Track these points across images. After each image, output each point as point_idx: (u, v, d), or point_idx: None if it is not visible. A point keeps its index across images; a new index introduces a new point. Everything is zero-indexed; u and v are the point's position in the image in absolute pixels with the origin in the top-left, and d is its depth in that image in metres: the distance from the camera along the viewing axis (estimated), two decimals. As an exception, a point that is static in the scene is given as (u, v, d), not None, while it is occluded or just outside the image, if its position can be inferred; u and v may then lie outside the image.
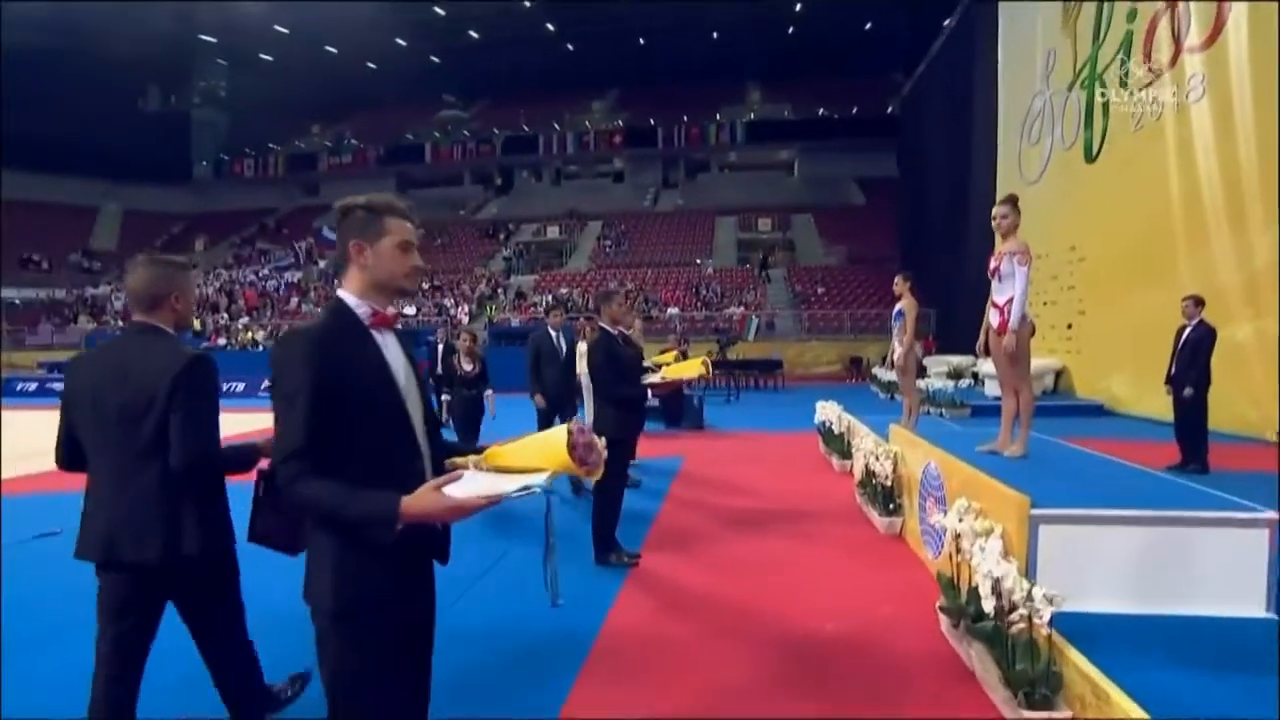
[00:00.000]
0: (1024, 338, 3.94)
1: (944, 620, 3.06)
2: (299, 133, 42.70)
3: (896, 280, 6.26)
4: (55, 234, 34.80)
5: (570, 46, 37.80)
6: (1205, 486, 3.49)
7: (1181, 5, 9.29)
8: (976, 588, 2.66)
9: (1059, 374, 11.60)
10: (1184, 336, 6.39)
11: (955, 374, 12.07)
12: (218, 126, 43.61)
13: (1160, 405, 8.51)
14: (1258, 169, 8.07)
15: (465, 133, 39.48)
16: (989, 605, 2.43)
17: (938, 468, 4.00)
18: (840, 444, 6.94)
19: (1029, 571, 2.76)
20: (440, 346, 9.48)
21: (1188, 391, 6.24)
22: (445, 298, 26.18)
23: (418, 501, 1.46)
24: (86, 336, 24.10)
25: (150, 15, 31.82)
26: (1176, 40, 9.38)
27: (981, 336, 4.22)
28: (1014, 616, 2.34)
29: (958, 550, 3.06)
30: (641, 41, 37.47)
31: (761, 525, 5.24)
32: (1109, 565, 2.76)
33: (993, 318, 4.06)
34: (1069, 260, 11.54)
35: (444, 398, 6.27)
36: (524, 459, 1.74)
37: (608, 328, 4.49)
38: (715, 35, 36.83)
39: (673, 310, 22.57)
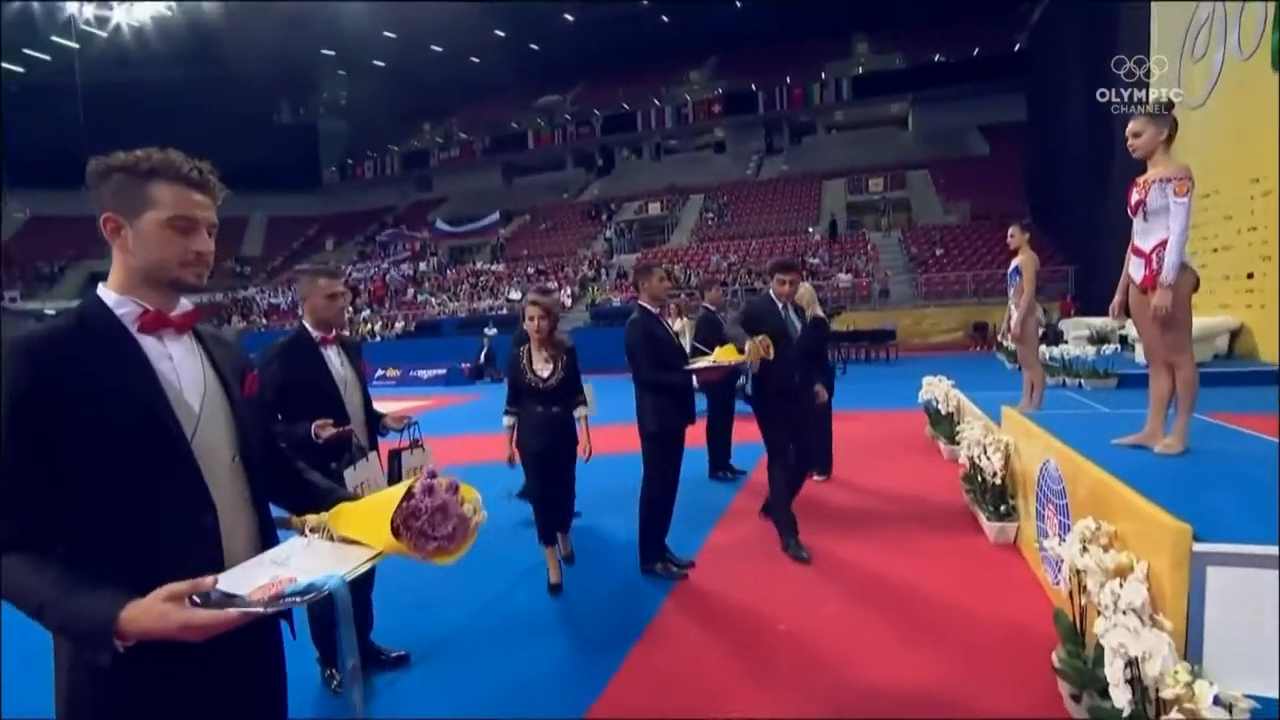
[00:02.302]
0: (1183, 294, 2.92)
1: (1062, 685, 2.25)
2: (412, 131, 44.64)
3: (1012, 231, 5.17)
4: (213, 244, 38.64)
5: (665, 18, 36.84)
6: None
7: None
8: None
9: (1235, 334, 9.64)
10: None
11: (1099, 338, 10.35)
12: (341, 133, 46.51)
13: (1383, 370, 6.76)
14: None
15: (566, 116, 39.67)
16: (1121, 698, 1.64)
17: (1059, 468, 3.09)
18: (948, 426, 5.95)
19: (1190, 636, 1.90)
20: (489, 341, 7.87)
21: None
22: (549, 281, 26.43)
23: (143, 614, 0.98)
24: (238, 335, 26.39)
25: (278, 37, 34.22)
26: None
27: (1119, 294, 3.21)
28: None
29: (1080, 588, 2.24)
30: (738, 4, 35.82)
31: (846, 528, 4.48)
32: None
33: (1135, 269, 3.06)
34: (1249, 195, 9.48)
35: (506, 421, 3.78)
36: (366, 525, 1.21)
37: (648, 306, 3.89)
38: (817, -14, 34.53)
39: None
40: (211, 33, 32.74)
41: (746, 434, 6.81)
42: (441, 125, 44.03)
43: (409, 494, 1.14)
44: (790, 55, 34.83)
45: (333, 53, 39.71)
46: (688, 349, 6.95)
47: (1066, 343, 11.02)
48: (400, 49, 37.70)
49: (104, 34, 32.16)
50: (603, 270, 26.47)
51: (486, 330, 18.10)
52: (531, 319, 3.62)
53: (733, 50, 37.78)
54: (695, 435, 5.77)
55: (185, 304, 1.27)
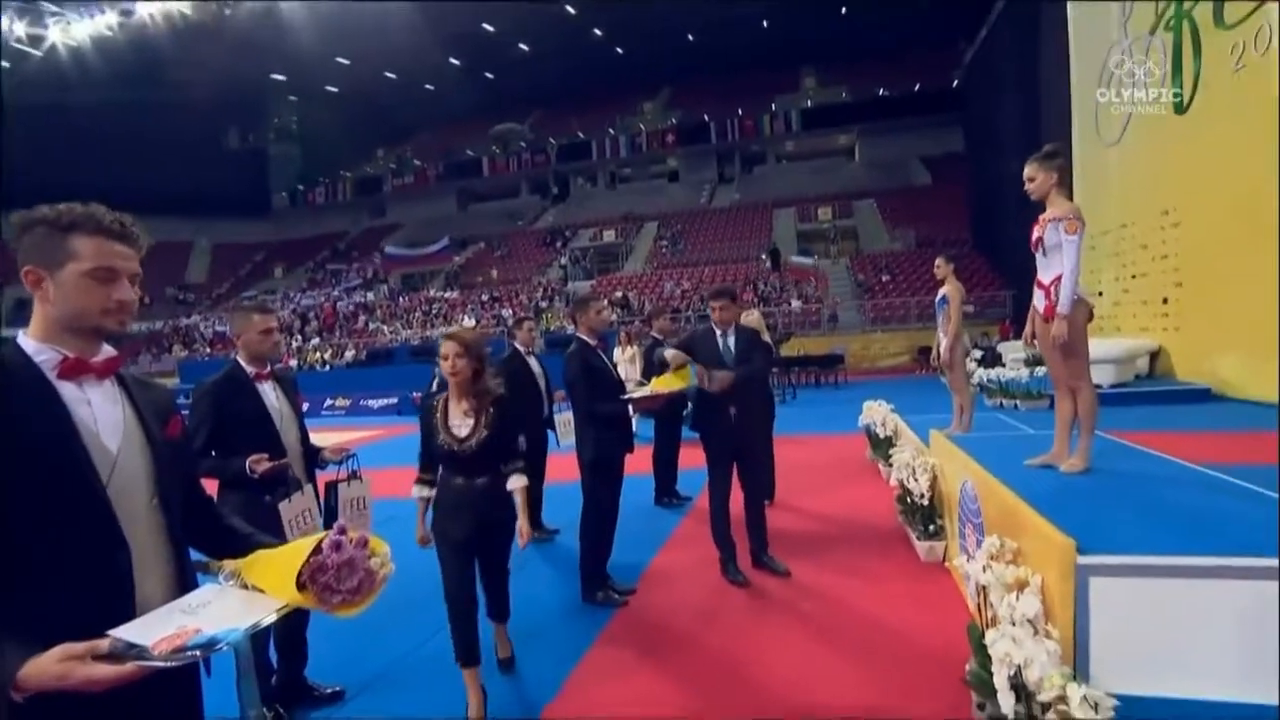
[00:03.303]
0: (1078, 324, 3.16)
1: (974, 696, 2.38)
2: (366, 157, 44.30)
3: (938, 262, 5.47)
4: (155, 270, 37.42)
5: (619, 50, 37.59)
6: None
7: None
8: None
9: (1155, 355, 10.24)
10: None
11: (1034, 361, 10.86)
12: (292, 159, 45.82)
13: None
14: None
15: (521, 144, 39.92)
16: (1006, 704, 1.77)
17: (975, 489, 3.27)
18: (886, 449, 6.16)
19: (1078, 641, 2.06)
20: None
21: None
22: (504, 308, 26.36)
23: (41, 673, 1.01)
24: (180, 364, 25.50)
25: (227, 61, 33.70)
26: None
27: (1029, 324, 3.46)
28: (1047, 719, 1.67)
29: (986, 602, 2.38)
30: (691, 38, 36.80)
31: (785, 549, 4.58)
32: (1196, 634, 2.02)
33: (1038, 301, 3.30)
34: (1161, 226, 10.16)
35: (416, 493, 2.93)
36: (275, 577, 1.25)
37: (585, 337, 3.98)
38: (765, 24, 35.73)
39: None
40: (156, 55, 32.06)
41: (692, 461, 6.92)
42: (395, 151, 43.79)
43: (317, 549, 1.19)
44: (741, 87, 35.92)
45: (284, 77, 39.30)
46: (637, 376, 7.06)
47: (1004, 365, 11.52)
48: (354, 75, 37.54)
49: (38, 53, 31.18)
50: (556, 297, 26.54)
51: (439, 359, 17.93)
52: (445, 358, 2.69)
53: (686, 82, 38.77)
54: (642, 463, 5.88)
55: (108, 350, 1.31)
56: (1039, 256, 3.30)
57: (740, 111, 35.55)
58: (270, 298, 31.15)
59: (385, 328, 26.25)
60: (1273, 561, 1.98)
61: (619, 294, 24.72)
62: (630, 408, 3.91)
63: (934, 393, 12.16)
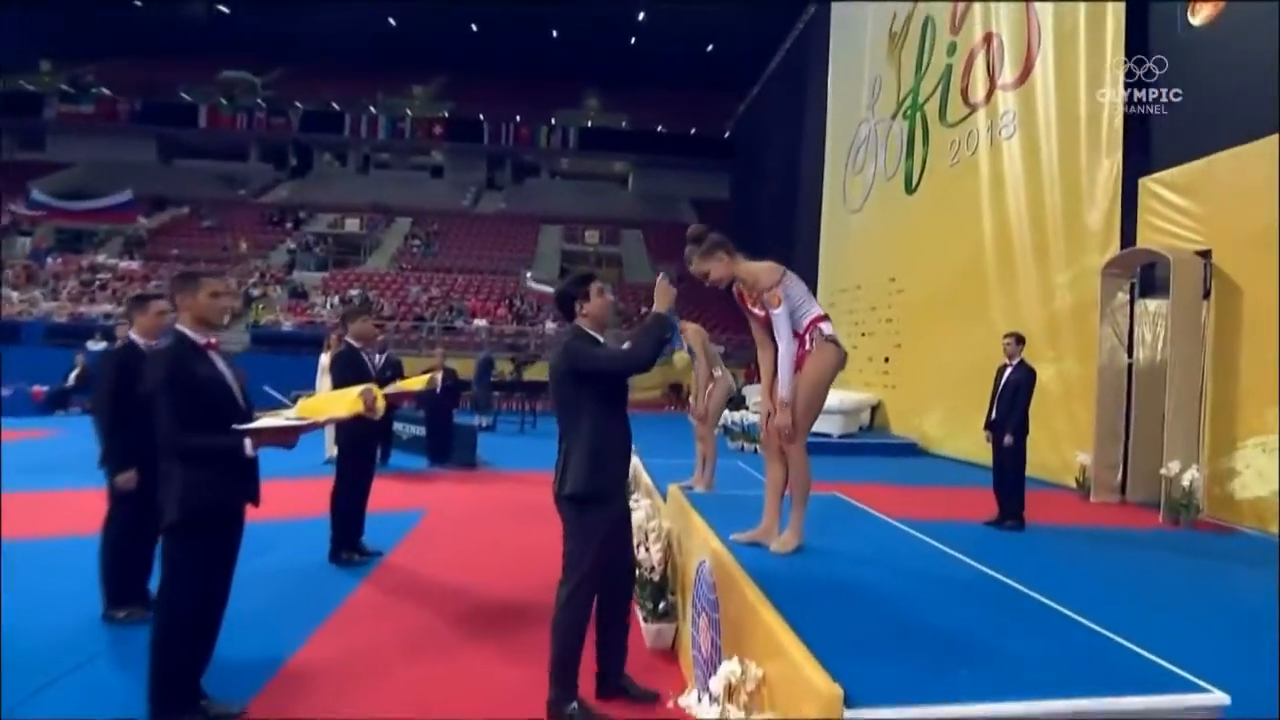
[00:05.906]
0: (824, 372, 2.76)
1: None
2: (23, 68, 33.98)
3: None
4: None
5: (392, 20, 34.22)
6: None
7: (996, 42, 9.21)
8: None
9: (875, 409, 11.26)
10: (1004, 377, 5.73)
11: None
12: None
13: (969, 446, 8.16)
14: (1060, 208, 7.98)
15: (258, 100, 34.15)
16: None
17: (713, 574, 2.52)
18: (622, 496, 5.43)
19: None
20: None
21: (1008, 440, 5.56)
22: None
23: None
24: None
25: None
26: (991, 76, 9.32)
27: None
28: None
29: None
30: (474, 28, 34.86)
31: (478, 631, 3.53)
32: None
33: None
34: (888, 291, 11.27)
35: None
36: None
37: (188, 331, 2.55)
38: (555, 34, 35.25)
39: (479, 322, 20.44)
40: None
41: (386, 501, 5.47)
42: (71, 70, 34.38)
43: None
44: (522, 93, 34.81)
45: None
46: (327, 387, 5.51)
47: (748, 408, 11.84)
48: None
49: None
50: (277, 286, 22.67)
51: (89, 344, 13.93)
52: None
53: (463, 74, 36.53)
54: (318, 501, 4.43)
55: None
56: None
57: (518, 118, 34.45)
58: None
59: (15, 295, 19.86)
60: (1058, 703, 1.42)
61: (354, 291, 21.85)
62: (250, 443, 2.48)
63: (681, 433, 12.04)
